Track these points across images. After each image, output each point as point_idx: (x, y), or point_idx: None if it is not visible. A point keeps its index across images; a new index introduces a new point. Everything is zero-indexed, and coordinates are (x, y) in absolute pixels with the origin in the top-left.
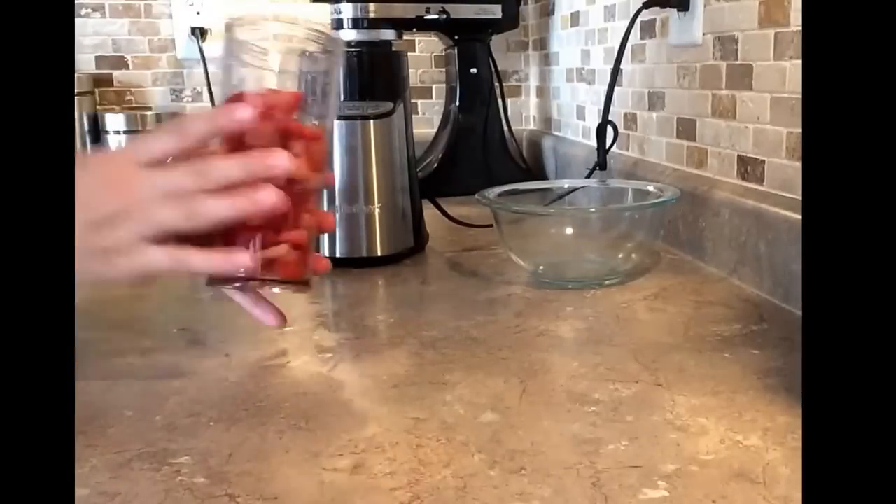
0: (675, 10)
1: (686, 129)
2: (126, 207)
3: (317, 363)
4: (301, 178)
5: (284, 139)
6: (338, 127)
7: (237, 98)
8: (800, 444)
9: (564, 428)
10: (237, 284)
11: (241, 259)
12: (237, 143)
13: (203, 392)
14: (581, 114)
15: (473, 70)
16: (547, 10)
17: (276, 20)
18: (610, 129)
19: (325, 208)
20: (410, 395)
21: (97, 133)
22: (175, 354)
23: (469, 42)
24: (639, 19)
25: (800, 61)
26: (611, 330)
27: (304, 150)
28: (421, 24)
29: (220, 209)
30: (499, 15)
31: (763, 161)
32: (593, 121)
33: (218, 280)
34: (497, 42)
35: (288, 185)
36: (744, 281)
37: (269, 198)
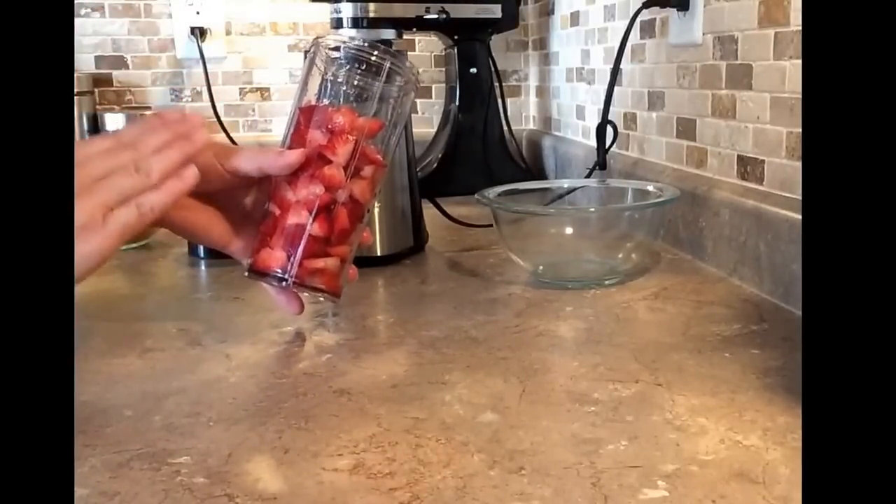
0: (675, 9)
1: (686, 128)
2: (80, 187)
3: (316, 363)
4: (363, 200)
5: (359, 160)
6: None
7: (309, 110)
8: (800, 444)
9: (564, 428)
10: (275, 283)
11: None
12: (317, 155)
13: (202, 392)
14: (581, 114)
15: (473, 70)
16: (547, 10)
17: (359, 42)
18: (610, 129)
19: None
20: (410, 395)
21: (97, 133)
22: (175, 354)
23: (469, 42)
24: (638, 19)
25: (800, 61)
26: (611, 330)
27: (371, 174)
28: (421, 24)
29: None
30: (498, 15)
31: (763, 161)
32: (593, 121)
33: (257, 274)
34: (497, 42)
35: (349, 203)
36: (744, 281)
37: (192, 175)
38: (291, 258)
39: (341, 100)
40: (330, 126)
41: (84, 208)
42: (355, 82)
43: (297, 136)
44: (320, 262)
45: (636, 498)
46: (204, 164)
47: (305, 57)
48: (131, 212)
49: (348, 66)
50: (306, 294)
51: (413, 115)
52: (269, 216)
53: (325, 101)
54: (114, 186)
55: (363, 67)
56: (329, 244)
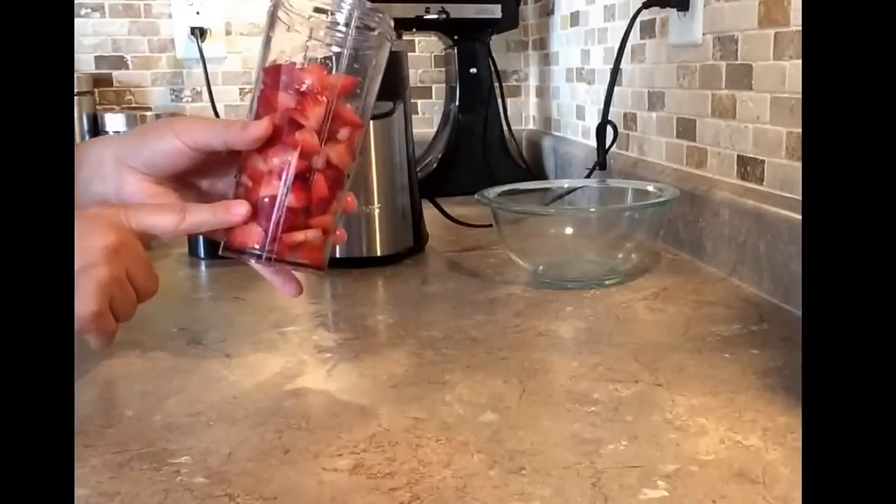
0: (675, 9)
1: (686, 129)
2: (86, 266)
3: (316, 363)
4: (341, 164)
5: (334, 122)
6: None
7: (274, 70)
8: (800, 444)
9: (564, 428)
10: (253, 261)
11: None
12: (288, 120)
13: (203, 392)
14: (581, 114)
15: (473, 70)
16: (547, 10)
17: None
18: (610, 129)
19: None
20: (410, 395)
21: (97, 133)
22: (175, 354)
23: (469, 42)
24: (638, 19)
25: (800, 61)
26: (610, 330)
27: (348, 136)
28: (421, 24)
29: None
30: (499, 15)
31: (763, 161)
32: (593, 121)
33: (233, 251)
34: (497, 42)
35: (327, 169)
36: (744, 281)
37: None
38: (269, 233)
39: (310, 58)
40: (298, 87)
41: (99, 305)
42: (323, 37)
43: (263, 101)
44: (300, 236)
45: (636, 498)
46: (166, 147)
47: (267, 12)
48: (109, 323)
49: (314, 21)
50: (289, 268)
51: (413, 115)
52: (241, 188)
53: (292, 60)
54: (122, 304)
55: (331, 21)
56: (309, 215)
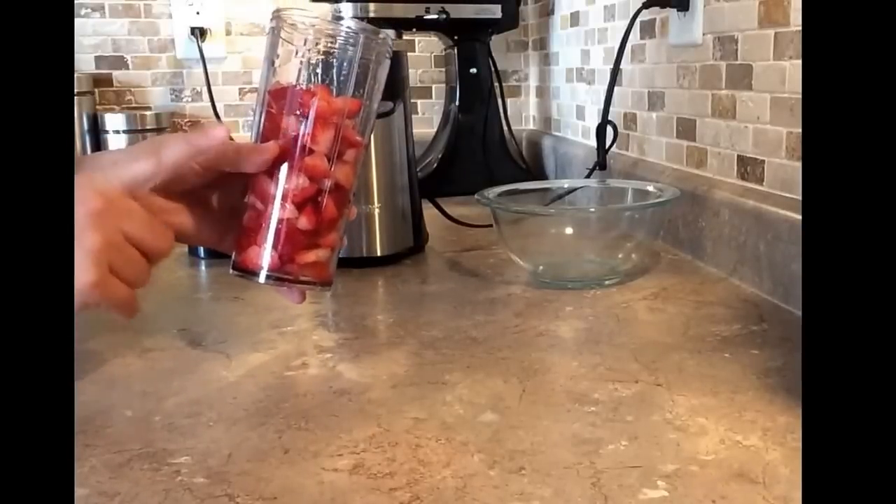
0: (675, 10)
1: (686, 129)
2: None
3: (316, 363)
4: (347, 185)
5: (341, 144)
6: None
7: (280, 93)
8: (800, 444)
9: (564, 428)
10: (265, 283)
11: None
12: (297, 145)
13: (203, 392)
14: (581, 114)
15: (473, 70)
16: (547, 10)
17: (323, 19)
18: (610, 129)
19: None
20: (410, 395)
21: (97, 133)
22: (175, 354)
23: (469, 42)
24: (639, 19)
25: (800, 61)
26: (610, 330)
27: (354, 158)
28: (421, 24)
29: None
30: (499, 15)
31: (763, 161)
32: (593, 121)
33: (246, 272)
34: (497, 42)
35: (335, 191)
36: (744, 281)
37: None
38: (282, 256)
39: (314, 79)
40: (306, 111)
41: (96, 273)
42: (328, 59)
43: (270, 124)
44: (311, 256)
45: (636, 498)
46: (176, 163)
47: (268, 33)
48: (117, 290)
49: (318, 43)
50: (299, 287)
51: (413, 115)
52: (252, 209)
53: (297, 82)
54: (128, 268)
55: (334, 43)
56: (318, 235)
